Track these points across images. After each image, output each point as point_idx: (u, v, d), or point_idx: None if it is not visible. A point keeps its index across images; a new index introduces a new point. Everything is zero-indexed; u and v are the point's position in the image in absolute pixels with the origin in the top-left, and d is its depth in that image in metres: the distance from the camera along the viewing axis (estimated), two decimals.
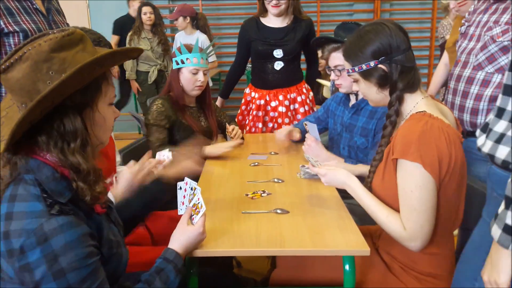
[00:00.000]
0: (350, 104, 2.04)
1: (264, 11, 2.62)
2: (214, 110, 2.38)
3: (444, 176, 1.21)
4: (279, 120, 2.73)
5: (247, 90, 2.84)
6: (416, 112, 1.29)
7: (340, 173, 1.43)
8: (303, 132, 2.28)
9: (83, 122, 0.95)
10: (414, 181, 1.21)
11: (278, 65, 2.64)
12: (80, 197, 0.96)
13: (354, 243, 1.27)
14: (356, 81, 1.41)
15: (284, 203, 1.56)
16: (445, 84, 2.91)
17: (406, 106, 1.34)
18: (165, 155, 1.70)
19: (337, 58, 1.95)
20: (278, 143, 2.28)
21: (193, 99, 2.26)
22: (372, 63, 1.31)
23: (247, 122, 2.81)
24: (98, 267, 0.95)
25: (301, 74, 2.80)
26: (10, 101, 0.96)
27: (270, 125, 2.76)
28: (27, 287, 0.88)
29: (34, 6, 1.96)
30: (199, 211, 1.22)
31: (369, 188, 1.39)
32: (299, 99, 2.73)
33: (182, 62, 2.13)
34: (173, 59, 2.16)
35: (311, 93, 2.84)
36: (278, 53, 2.61)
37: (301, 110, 2.74)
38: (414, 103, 1.32)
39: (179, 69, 2.15)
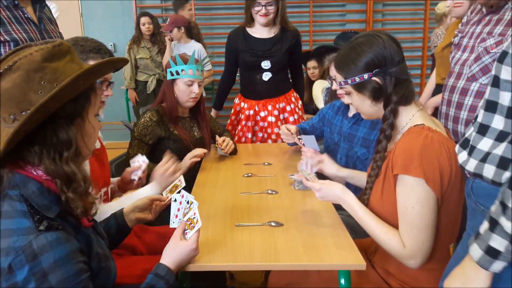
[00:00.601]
0: (351, 114, 2.02)
1: (251, 21, 2.63)
2: (208, 120, 2.36)
3: (445, 190, 1.19)
4: (269, 130, 2.74)
5: (236, 100, 2.85)
6: (414, 125, 1.27)
7: (336, 187, 1.39)
8: (300, 131, 2.28)
9: (73, 132, 0.95)
10: (416, 197, 1.18)
11: (266, 76, 2.66)
12: (71, 209, 0.94)
13: (349, 257, 1.25)
14: (348, 93, 1.37)
15: (278, 216, 1.53)
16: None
17: (402, 119, 1.32)
18: (139, 160, 1.69)
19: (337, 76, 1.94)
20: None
21: (187, 110, 2.24)
22: (365, 76, 1.28)
23: (236, 132, 2.82)
24: (88, 283, 0.93)
25: (290, 84, 2.82)
26: None
27: (260, 135, 2.77)
28: None
29: (26, 16, 1.94)
30: (194, 226, 1.19)
31: (367, 204, 1.36)
32: (288, 108, 2.75)
33: (177, 74, 2.10)
34: (168, 70, 2.13)
35: (300, 102, 2.86)
36: (266, 64, 2.62)
37: (291, 119, 2.76)
38: (410, 116, 1.30)
39: (173, 80, 2.13)
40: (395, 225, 1.26)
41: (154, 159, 2.12)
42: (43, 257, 0.84)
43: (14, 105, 0.87)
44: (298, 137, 2.01)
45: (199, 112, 2.27)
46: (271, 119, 2.72)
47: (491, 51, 1.62)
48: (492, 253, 0.86)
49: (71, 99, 0.92)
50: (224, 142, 2.25)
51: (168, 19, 4.60)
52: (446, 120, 1.82)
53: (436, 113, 1.98)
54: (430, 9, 6.04)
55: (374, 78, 1.27)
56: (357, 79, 1.29)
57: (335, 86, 2.00)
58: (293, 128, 2.22)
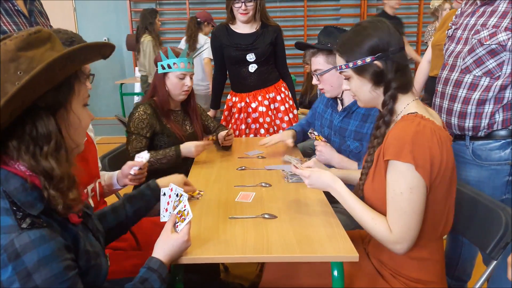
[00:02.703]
0: (339, 108, 2.02)
1: (232, 19, 2.70)
2: (200, 114, 2.36)
3: (434, 178, 1.20)
4: (261, 120, 2.78)
5: (228, 96, 2.90)
6: (408, 113, 1.27)
7: (325, 175, 1.39)
8: (298, 133, 2.29)
9: (57, 124, 0.90)
10: (405, 183, 1.19)
11: (253, 68, 2.71)
12: (52, 206, 0.90)
13: (342, 248, 1.24)
14: (347, 78, 1.36)
15: (271, 208, 1.53)
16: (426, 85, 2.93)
17: (398, 107, 1.32)
18: (143, 156, 1.67)
19: (316, 63, 1.95)
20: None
21: (178, 103, 2.24)
22: (368, 59, 1.27)
23: (230, 126, 2.85)
24: (76, 281, 0.90)
25: (277, 74, 2.85)
26: None
27: (253, 126, 2.81)
28: None
29: (16, 8, 1.91)
30: (184, 219, 1.18)
31: (362, 190, 1.36)
32: (278, 98, 2.80)
33: (169, 67, 2.09)
34: (159, 64, 2.11)
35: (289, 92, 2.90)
36: (250, 57, 2.68)
37: (282, 108, 2.81)
38: (405, 104, 1.30)
39: (165, 74, 2.12)
40: (384, 211, 1.26)
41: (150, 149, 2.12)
42: (26, 256, 0.82)
43: None
44: (310, 131, 2.00)
45: (190, 105, 2.28)
46: (262, 109, 2.77)
47: (484, 43, 1.61)
48: None
49: (51, 88, 0.88)
50: (229, 136, 2.25)
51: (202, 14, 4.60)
52: (440, 112, 1.82)
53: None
54: (425, 3, 6.04)
55: (376, 62, 1.27)
56: (359, 62, 1.29)
57: (315, 81, 2.00)
58: (289, 140, 2.20)
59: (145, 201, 1.42)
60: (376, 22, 1.30)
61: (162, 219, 1.30)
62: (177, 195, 1.26)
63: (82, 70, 0.98)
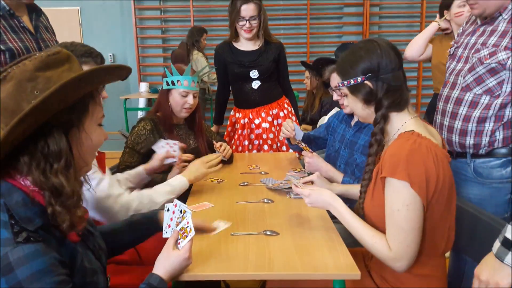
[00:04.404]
0: (353, 122, 2.05)
1: (235, 36, 2.74)
2: (204, 130, 2.36)
3: (432, 196, 1.20)
4: (264, 136, 2.79)
5: (231, 112, 2.92)
6: (405, 131, 1.29)
7: (325, 193, 1.42)
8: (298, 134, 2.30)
9: (68, 142, 0.92)
10: (401, 200, 1.20)
11: (256, 84, 2.74)
12: (57, 223, 0.91)
13: (344, 266, 1.24)
14: (345, 95, 1.44)
15: (273, 225, 1.53)
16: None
17: (393, 125, 1.34)
18: (163, 145, 1.84)
19: (336, 79, 1.98)
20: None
21: (182, 119, 2.25)
22: (359, 79, 1.33)
23: (233, 142, 2.86)
24: None
25: (280, 91, 2.88)
26: None
27: (256, 142, 2.82)
28: None
29: (22, 25, 1.94)
30: (186, 235, 1.18)
31: (362, 208, 1.38)
32: (281, 114, 2.82)
33: (173, 84, 2.11)
34: (164, 79, 2.14)
35: (292, 108, 2.93)
36: (254, 73, 2.71)
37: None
38: (402, 122, 1.33)
39: (168, 90, 2.13)
40: (384, 229, 1.27)
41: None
42: (19, 270, 0.82)
43: (9, 115, 0.86)
44: (298, 140, 2.04)
45: (195, 122, 2.27)
46: (265, 125, 2.79)
47: (485, 62, 1.64)
48: (506, 244, 0.93)
49: (65, 108, 0.90)
50: (221, 147, 2.25)
51: None
52: (441, 129, 1.83)
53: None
54: (426, 21, 6.10)
55: (366, 82, 1.33)
56: (352, 82, 1.35)
57: (335, 96, 2.05)
58: (291, 126, 2.22)
59: (145, 230, 1.40)
60: (370, 44, 1.35)
61: (165, 235, 1.30)
62: (180, 211, 1.26)
63: (97, 91, 1.00)
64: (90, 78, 0.93)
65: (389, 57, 1.32)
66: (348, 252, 1.31)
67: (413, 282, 1.30)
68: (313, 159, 1.96)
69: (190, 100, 2.11)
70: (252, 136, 2.82)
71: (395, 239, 1.22)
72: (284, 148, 2.83)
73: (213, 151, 2.43)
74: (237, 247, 1.36)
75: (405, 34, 6.32)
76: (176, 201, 1.29)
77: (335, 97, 2.06)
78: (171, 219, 1.29)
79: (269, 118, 2.79)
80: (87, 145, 0.98)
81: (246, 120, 2.80)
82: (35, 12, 2.05)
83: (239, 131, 2.83)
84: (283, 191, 1.89)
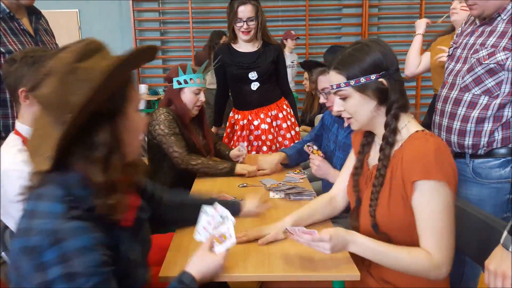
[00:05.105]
0: (346, 123, 2.03)
1: (234, 38, 2.75)
2: (209, 128, 2.45)
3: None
4: (263, 137, 2.80)
5: (231, 114, 2.93)
6: (416, 131, 1.25)
7: (339, 231, 1.21)
8: (292, 156, 2.29)
9: (113, 130, 0.95)
10: (440, 201, 1.15)
11: (255, 86, 2.74)
12: (104, 207, 0.95)
13: (343, 267, 1.24)
14: (345, 98, 1.29)
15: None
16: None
17: (398, 126, 1.28)
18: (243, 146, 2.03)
19: (324, 81, 1.97)
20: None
21: (191, 117, 2.29)
22: (372, 76, 1.24)
23: (232, 143, 2.87)
24: (111, 278, 0.93)
25: (279, 92, 2.89)
26: (41, 119, 0.96)
27: (255, 143, 2.82)
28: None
29: (22, 27, 1.95)
30: (224, 241, 1.17)
31: (374, 218, 1.28)
32: (280, 115, 2.83)
33: (185, 82, 2.16)
34: (174, 79, 2.17)
35: (291, 109, 2.93)
36: (253, 75, 2.71)
37: (284, 125, 2.83)
38: (404, 124, 1.29)
39: (180, 89, 2.18)
40: (403, 240, 1.22)
41: (156, 159, 2.15)
42: (68, 242, 0.86)
43: (56, 108, 0.89)
44: (308, 144, 2.01)
45: (202, 119, 2.36)
46: (264, 126, 2.79)
47: (483, 62, 1.64)
48: None
49: (107, 97, 0.93)
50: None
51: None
52: (440, 130, 1.83)
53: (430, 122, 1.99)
54: (426, 3, 6.09)
55: (380, 79, 1.24)
56: (363, 80, 1.24)
57: (322, 99, 2.02)
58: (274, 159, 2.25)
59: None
60: (376, 41, 1.29)
61: (196, 237, 1.29)
62: (221, 217, 1.24)
63: (132, 78, 1.02)
64: (129, 62, 0.95)
65: (392, 55, 1.28)
66: (347, 253, 1.31)
67: (413, 282, 1.29)
68: (323, 162, 1.92)
69: (202, 97, 2.20)
70: (251, 137, 2.82)
71: (437, 245, 1.16)
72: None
73: (215, 149, 2.46)
74: (236, 248, 1.35)
75: (404, 35, 6.33)
76: (218, 206, 1.27)
77: (322, 99, 2.03)
78: (209, 222, 1.27)
79: (268, 120, 2.79)
80: (131, 131, 1.01)
81: (245, 121, 2.81)
82: (35, 14, 2.06)
83: (238, 133, 2.83)
84: (282, 192, 1.89)
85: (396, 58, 1.29)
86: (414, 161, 1.18)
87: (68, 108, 0.87)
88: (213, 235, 1.20)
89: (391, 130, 1.26)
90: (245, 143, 2.02)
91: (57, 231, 0.86)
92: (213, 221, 1.26)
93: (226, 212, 1.24)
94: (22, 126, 1.48)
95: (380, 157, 1.28)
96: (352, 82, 1.25)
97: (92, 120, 0.91)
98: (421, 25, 2.90)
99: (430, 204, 1.17)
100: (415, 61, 2.90)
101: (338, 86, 1.29)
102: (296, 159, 2.33)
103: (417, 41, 2.92)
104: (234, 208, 1.52)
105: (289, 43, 5.32)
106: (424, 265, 1.17)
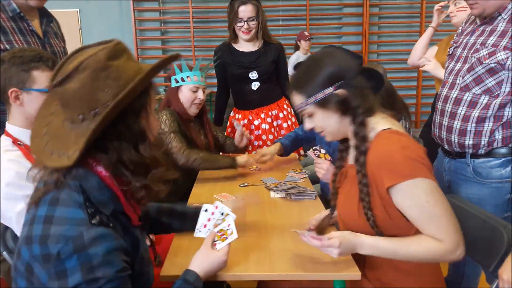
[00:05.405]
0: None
1: (235, 38, 2.74)
2: (211, 126, 2.43)
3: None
4: (263, 137, 2.80)
5: (231, 113, 2.93)
6: (382, 130, 1.23)
7: (345, 234, 1.22)
8: (287, 146, 2.33)
9: (141, 124, 0.99)
10: (423, 193, 1.15)
11: (255, 85, 2.74)
12: (137, 196, 0.99)
13: (344, 266, 1.24)
14: (310, 115, 1.30)
15: (274, 225, 1.53)
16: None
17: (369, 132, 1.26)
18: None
19: (297, 100, 1.94)
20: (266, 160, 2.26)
21: (192, 116, 2.28)
22: (329, 90, 1.22)
23: None
24: (128, 281, 0.95)
25: (280, 92, 2.89)
26: (56, 118, 0.98)
27: (256, 143, 2.83)
28: None
29: (30, 28, 1.98)
30: (226, 238, 1.17)
31: (376, 227, 1.24)
32: (281, 115, 2.83)
33: (182, 80, 2.15)
34: (172, 78, 2.16)
35: (291, 109, 2.94)
36: (253, 75, 2.71)
37: (285, 125, 2.83)
38: (371, 127, 1.26)
39: (178, 87, 2.18)
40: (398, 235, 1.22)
41: None
42: (92, 249, 0.86)
43: (84, 105, 0.90)
44: (313, 148, 1.91)
45: (203, 117, 2.35)
46: (264, 126, 2.80)
47: (484, 62, 1.64)
48: None
49: (137, 95, 0.96)
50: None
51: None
52: (440, 129, 1.83)
53: (430, 122, 1.99)
54: (426, 21, 6.10)
55: (337, 91, 1.22)
56: (320, 95, 1.23)
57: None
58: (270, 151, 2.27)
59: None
60: (326, 53, 1.29)
61: (197, 234, 1.29)
62: (221, 214, 1.25)
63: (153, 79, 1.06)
64: (162, 66, 0.99)
65: (348, 60, 1.25)
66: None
67: (410, 283, 1.29)
68: (332, 166, 1.75)
69: (200, 95, 2.17)
70: (252, 137, 2.82)
71: (441, 230, 1.16)
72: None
73: (218, 147, 2.46)
74: (237, 247, 1.36)
75: (404, 34, 6.33)
76: (218, 203, 1.29)
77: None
78: (209, 219, 1.28)
79: (269, 119, 2.80)
80: (153, 125, 1.05)
81: (245, 121, 2.81)
82: (47, 17, 2.10)
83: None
84: (283, 191, 1.89)
85: (354, 64, 1.25)
86: (382, 166, 1.17)
87: (95, 104, 0.89)
88: (214, 232, 1.21)
89: (361, 138, 1.24)
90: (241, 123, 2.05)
91: (79, 238, 0.86)
92: (213, 219, 1.27)
93: (226, 209, 1.25)
94: (13, 127, 1.48)
95: (357, 168, 1.25)
96: (311, 100, 1.25)
97: (122, 116, 0.94)
98: (434, 17, 2.86)
99: (414, 201, 1.16)
100: (419, 53, 2.88)
101: (300, 106, 1.30)
102: (291, 149, 2.40)
103: (426, 33, 2.90)
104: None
105: (303, 44, 5.25)
106: (438, 253, 1.17)
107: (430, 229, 1.18)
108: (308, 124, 1.33)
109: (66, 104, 0.93)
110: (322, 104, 1.25)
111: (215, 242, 1.18)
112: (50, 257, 0.85)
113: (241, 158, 2.15)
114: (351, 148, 1.34)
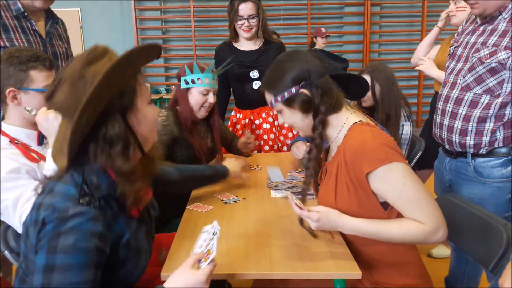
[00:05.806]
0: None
1: (235, 36, 2.74)
2: (220, 126, 2.32)
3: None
4: (265, 137, 2.80)
5: (232, 113, 2.92)
6: (354, 123, 1.32)
7: (331, 214, 1.29)
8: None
9: (127, 124, 1.02)
10: (399, 176, 1.22)
11: (256, 85, 2.73)
12: (124, 198, 1.04)
13: (345, 265, 1.24)
14: (280, 112, 1.40)
15: (275, 225, 1.53)
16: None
17: (335, 127, 1.36)
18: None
19: (268, 98, 1.97)
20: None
21: (200, 119, 2.20)
22: (293, 89, 1.32)
23: None
24: (89, 267, 0.96)
25: None
26: (63, 124, 1.04)
27: (257, 143, 2.81)
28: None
29: (33, 28, 1.99)
30: (208, 257, 1.10)
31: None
32: None
33: (193, 82, 2.05)
34: (182, 78, 2.07)
35: None
36: (254, 74, 2.71)
37: (286, 124, 2.75)
38: (344, 120, 1.36)
39: (188, 89, 2.08)
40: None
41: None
42: (69, 222, 0.94)
43: (72, 112, 0.94)
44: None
45: (213, 119, 2.24)
46: (266, 126, 2.79)
47: (485, 62, 1.64)
48: None
49: (116, 94, 0.99)
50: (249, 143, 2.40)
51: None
52: (441, 129, 1.83)
53: (430, 123, 1.99)
54: (427, 20, 6.10)
55: (301, 90, 1.32)
56: (286, 94, 1.34)
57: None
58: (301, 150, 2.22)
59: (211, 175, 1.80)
60: (292, 55, 1.36)
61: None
62: (213, 233, 1.18)
63: (139, 72, 1.08)
64: (127, 61, 0.99)
65: (315, 62, 1.34)
66: (349, 251, 1.31)
67: (406, 283, 1.31)
68: (302, 143, 1.97)
69: (210, 98, 2.10)
70: (253, 136, 2.81)
71: (421, 212, 1.22)
72: (285, 148, 2.83)
73: (227, 147, 2.44)
74: (238, 246, 1.37)
75: (406, 33, 6.33)
76: (215, 222, 1.21)
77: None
78: (205, 239, 1.20)
79: (270, 119, 2.79)
80: (144, 123, 1.07)
81: (246, 120, 2.81)
82: (52, 19, 2.11)
83: (240, 132, 2.83)
84: (284, 190, 1.89)
85: (319, 65, 1.34)
86: (359, 155, 1.24)
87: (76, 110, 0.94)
88: (202, 252, 1.14)
89: (318, 134, 1.34)
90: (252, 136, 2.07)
91: (65, 211, 0.94)
92: (208, 239, 1.21)
93: (216, 229, 1.17)
94: (10, 127, 1.49)
95: (310, 157, 1.39)
96: (279, 99, 1.36)
97: (105, 116, 0.98)
98: (441, 19, 2.87)
99: (392, 184, 1.22)
100: (422, 52, 2.89)
101: (271, 103, 1.41)
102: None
103: (432, 33, 2.91)
104: (224, 173, 1.84)
105: (319, 41, 5.17)
106: (419, 234, 1.23)
107: (410, 212, 1.23)
108: (280, 120, 1.44)
109: (63, 113, 1.01)
110: (288, 102, 1.35)
111: (201, 264, 1.11)
112: (37, 222, 0.95)
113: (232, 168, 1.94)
114: (330, 146, 1.43)
